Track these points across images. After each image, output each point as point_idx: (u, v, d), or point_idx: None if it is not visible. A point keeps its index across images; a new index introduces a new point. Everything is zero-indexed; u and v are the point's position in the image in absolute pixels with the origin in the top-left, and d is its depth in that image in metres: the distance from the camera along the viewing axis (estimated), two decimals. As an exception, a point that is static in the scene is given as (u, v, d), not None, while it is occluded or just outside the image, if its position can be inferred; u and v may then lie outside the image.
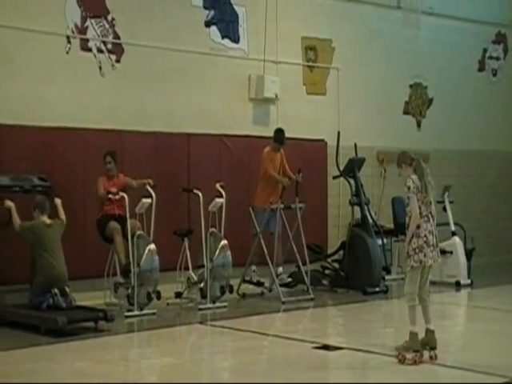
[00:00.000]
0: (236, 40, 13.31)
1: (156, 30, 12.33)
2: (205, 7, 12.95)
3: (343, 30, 14.57)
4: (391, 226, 13.88)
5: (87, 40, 11.70)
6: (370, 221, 12.98)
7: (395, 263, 13.91)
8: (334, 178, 13.54)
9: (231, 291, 11.29)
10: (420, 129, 15.94)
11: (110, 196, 10.77)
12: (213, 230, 11.15)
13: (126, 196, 10.69)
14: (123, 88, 11.99)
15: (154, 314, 10.51)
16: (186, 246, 11.31)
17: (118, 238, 10.76)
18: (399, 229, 13.03)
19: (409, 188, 7.82)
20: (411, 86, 15.78)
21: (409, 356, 7.66)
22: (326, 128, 14.06)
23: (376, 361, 7.92)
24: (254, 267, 12.15)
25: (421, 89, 15.93)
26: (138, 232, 10.58)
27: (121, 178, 11.15)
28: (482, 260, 14.69)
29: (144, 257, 10.46)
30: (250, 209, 11.89)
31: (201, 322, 10.37)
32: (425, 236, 7.80)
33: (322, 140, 14.07)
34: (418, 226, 7.80)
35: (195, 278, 11.23)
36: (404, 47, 15.46)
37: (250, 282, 12.15)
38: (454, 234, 13.52)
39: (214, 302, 11.02)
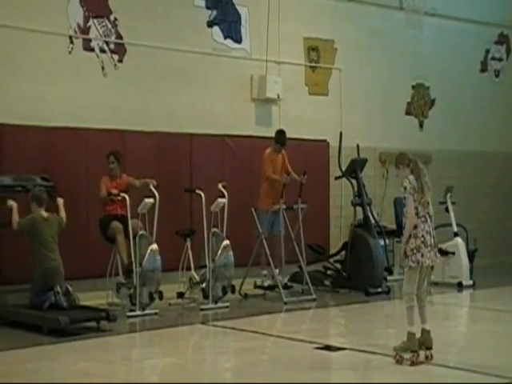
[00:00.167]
0: (238, 40, 13.32)
1: (158, 30, 12.34)
2: (207, 7, 12.96)
3: (345, 30, 14.57)
4: (393, 226, 13.88)
5: (90, 40, 11.71)
6: (372, 221, 12.97)
7: (397, 264, 13.89)
8: (336, 178, 13.55)
9: (233, 291, 11.29)
10: (422, 129, 15.93)
11: (111, 197, 10.78)
12: (215, 230, 11.15)
13: (127, 197, 10.68)
14: (125, 88, 12.00)
15: (156, 314, 10.52)
16: (188, 246, 11.32)
17: (120, 238, 10.76)
18: (401, 229, 13.00)
19: (405, 188, 7.89)
20: (413, 87, 15.78)
21: (406, 356, 7.67)
22: (328, 128, 14.06)
23: (378, 361, 7.92)
24: (264, 272, 12.12)
25: (423, 89, 15.93)
26: (141, 232, 10.59)
27: (124, 178, 11.15)
28: (484, 261, 14.69)
29: (146, 257, 10.46)
30: (253, 210, 11.89)
31: (203, 323, 10.36)
32: (422, 236, 7.83)
33: (325, 140, 14.07)
34: (416, 227, 7.83)
35: (197, 278, 11.24)
36: (406, 48, 15.46)
37: (261, 287, 12.12)
38: (456, 234, 13.52)
39: (216, 303, 11.02)
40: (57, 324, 9.11)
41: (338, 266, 12.98)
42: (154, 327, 9.97)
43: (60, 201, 10.28)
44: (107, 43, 11.88)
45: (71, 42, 11.54)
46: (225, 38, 13.16)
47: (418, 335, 7.86)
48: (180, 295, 11.29)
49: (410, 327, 7.82)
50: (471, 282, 13.28)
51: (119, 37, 11.98)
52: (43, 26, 11.18)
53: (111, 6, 11.92)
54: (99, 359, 8.21)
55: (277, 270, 11.94)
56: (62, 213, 10.18)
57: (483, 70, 17.04)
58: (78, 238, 11.06)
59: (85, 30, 11.68)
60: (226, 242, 11.11)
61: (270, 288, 11.99)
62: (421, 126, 15.92)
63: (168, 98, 12.38)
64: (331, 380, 7.74)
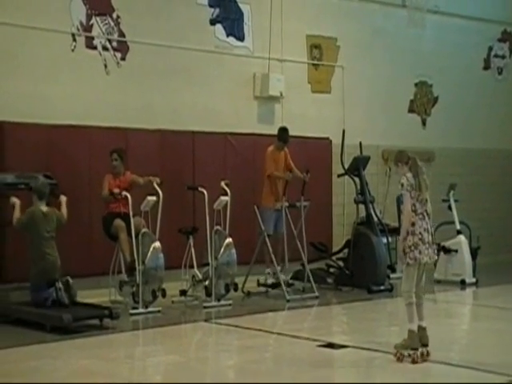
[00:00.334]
0: (241, 38, 13.31)
1: (161, 27, 12.34)
2: (210, 5, 12.95)
3: (348, 28, 14.56)
4: (396, 224, 13.82)
5: (92, 38, 11.72)
6: (375, 219, 12.98)
7: (399, 261, 13.89)
8: (339, 176, 13.55)
9: (236, 289, 11.28)
10: (425, 127, 15.92)
11: (113, 196, 10.79)
12: (218, 227, 11.16)
13: (128, 195, 10.67)
14: (128, 86, 12.00)
15: (158, 311, 10.52)
16: (191, 244, 11.32)
17: (122, 235, 10.76)
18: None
19: (402, 185, 7.95)
20: (416, 85, 15.77)
21: (406, 354, 7.67)
22: (330, 126, 14.06)
23: (381, 359, 7.91)
24: (268, 270, 12.11)
25: (426, 87, 15.92)
26: (143, 230, 10.59)
27: (127, 175, 11.15)
28: (486, 259, 14.66)
29: (149, 255, 10.46)
30: (255, 208, 11.89)
31: (206, 320, 10.37)
32: (420, 233, 7.86)
33: (327, 138, 14.06)
34: (413, 224, 7.86)
35: (200, 276, 11.24)
36: (409, 46, 15.44)
37: (264, 285, 12.12)
38: (459, 232, 13.51)
39: (218, 300, 11.02)
40: (60, 322, 9.12)
41: (341, 263, 12.99)
42: (157, 325, 9.97)
43: (63, 198, 10.28)
44: (110, 41, 11.88)
45: (74, 40, 11.54)
46: (227, 35, 13.16)
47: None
48: (183, 293, 11.29)
49: (411, 324, 7.84)
50: (474, 280, 13.28)
51: (122, 35, 11.99)
52: (46, 24, 11.18)
53: (114, 4, 11.92)
54: (102, 357, 8.21)
55: (279, 268, 11.94)
56: (64, 210, 10.18)
57: (486, 67, 17.02)
58: (81, 236, 11.07)
59: (87, 28, 11.68)
60: (229, 239, 11.11)
61: (274, 286, 11.98)
62: (423, 123, 15.91)
63: (171, 95, 12.38)
64: (334, 378, 7.74)
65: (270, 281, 12.07)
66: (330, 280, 12.78)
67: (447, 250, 13.33)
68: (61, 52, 11.42)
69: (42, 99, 11.16)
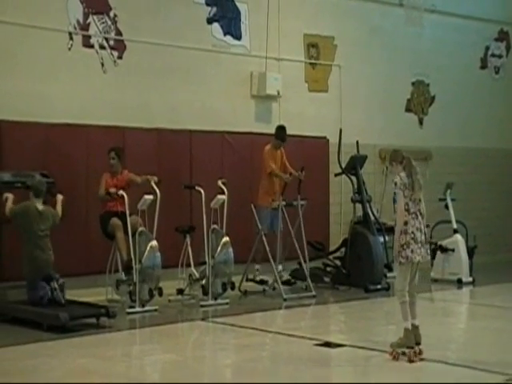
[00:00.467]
0: (238, 37, 13.31)
1: (158, 26, 12.33)
2: (207, 4, 12.95)
3: (345, 27, 14.56)
4: (393, 223, 13.84)
5: (89, 36, 11.71)
6: (372, 218, 12.98)
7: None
8: (336, 175, 13.55)
9: (233, 288, 11.30)
10: (422, 126, 15.93)
11: (109, 196, 10.78)
12: (215, 226, 11.16)
13: (125, 194, 10.67)
14: (125, 85, 11.99)
15: (155, 310, 10.52)
16: (188, 243, 11.32)
17: (119, 234, 10.76)
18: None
19: (395, 184, 7.98)
20: (413, 84, 15.78)
21: (401, 352, 7.68)
22: (328, 125, 14.06)
23: (378, 358, 7.91)
24: (257, 266, 12.15)
25: (423, 86, 15.92)
26: (140, 229, 10.58)
27: (125, 174, 11.15)
28: (483, 258, 14.68)
29: (146, 253, 10.46)
30: (252, 207, 11.89)
31: (203, 319, 10.38)
32: (412, 233, 7.87)
33: (324, 137, 14.06)
34: (406, 223, 7.87)
35: (197, 275, 11.24)
36: (406, 45, 15.46)
37: (253, 280, 12.14)
38: (455, 231, 13.52)
39: (215, 299, 11.02)
40: (57, 320, 9.12)
41: (338, 262, 12.98)
42: (154, 324, 9.97)
43: (59, 197, 10.28)
44: (107, 40, 11.87)
45: (71, 39, 11.53)
46: (224, 34, 13.15)
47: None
48: (180, 292, 11.29)
49: (406, 323, 7.85)
50: (471, 279, 13.29)
51: (119, 33, 11.98)
52: (43, 23, 11.17)
53: (111, 3, 11.91)
54: (99, 356, 8.20)
55: (280, 266, 11.97)
56: (59, 208, 10.17)
57: (483, 66, 17.04)
58: (78, 235, 11.06)
59: (84, 27, 11.67)
60: (226, 238, 11.11)
61: (262, 282, 12.00)
62: (420, 122, 15.92)
63: (168, 94, 12.38)
64: (331, 377, 7.74)
65: (259, 277, 12.08)
66: (326, 279, 12.79)
67: (444, 249, 13.34)
68: (58, 51, 11.41)
69: (40, 98, 11.15)
